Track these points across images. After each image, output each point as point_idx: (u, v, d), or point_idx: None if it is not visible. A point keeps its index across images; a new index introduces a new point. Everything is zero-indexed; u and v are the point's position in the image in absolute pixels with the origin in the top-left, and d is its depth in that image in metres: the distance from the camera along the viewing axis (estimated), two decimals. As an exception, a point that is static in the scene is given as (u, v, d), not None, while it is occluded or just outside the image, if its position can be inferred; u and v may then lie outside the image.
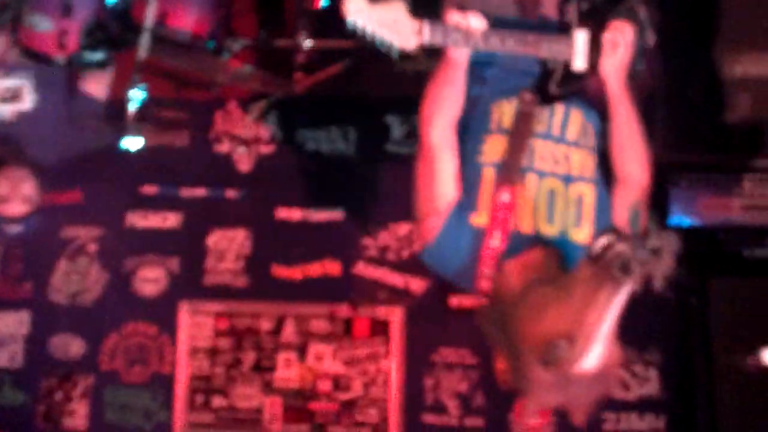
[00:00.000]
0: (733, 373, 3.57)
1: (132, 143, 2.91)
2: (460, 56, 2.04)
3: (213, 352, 4.26)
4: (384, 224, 4.23)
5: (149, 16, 2.92)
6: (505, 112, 2.07)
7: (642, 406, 4.08)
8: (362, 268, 4.22)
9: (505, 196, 1.94)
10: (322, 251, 4.25)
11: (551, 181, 2.01)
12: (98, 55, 3.00)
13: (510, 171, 1.97)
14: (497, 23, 2.09)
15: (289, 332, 4.23)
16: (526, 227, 1.95)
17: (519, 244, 1.91)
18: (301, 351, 4.21)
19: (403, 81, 3.99)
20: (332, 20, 3.41)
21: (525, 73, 2.16)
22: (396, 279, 4.20)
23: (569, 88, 2.11)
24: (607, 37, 2.09)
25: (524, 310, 1.73)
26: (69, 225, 4.44)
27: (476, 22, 1.99)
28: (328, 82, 3.62)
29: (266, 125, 4.37)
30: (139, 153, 4.47)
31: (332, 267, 4.25)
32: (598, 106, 2.21)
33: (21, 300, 4.40)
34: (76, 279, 4.42)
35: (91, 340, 4.35)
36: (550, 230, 1.97)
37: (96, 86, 3.10)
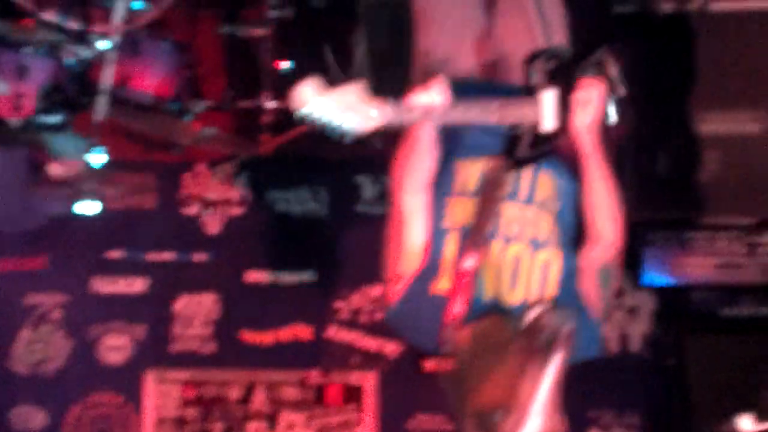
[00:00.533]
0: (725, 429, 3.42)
1: (88, 208, 2.74)
2: (425, 127, 1.97)
3: (180, 423, 4.06)
4: (356, 286, 4.08)
5: (106, 77, 2.81)
6: (471, 173, 2.02)
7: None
8: (334, 332, 4.07)
9: (469, 262, 1.89)
10: (293, 315, 4.10)
11: (517, 248, 1.96)
12: (55, 118, 2.87)
13: (476, 236, 1.92)
14: (462, 89, 2.03)
15: (259, 400, 4.05)
16: (487, 293, 1.92)
17: (479, 310, 1.89)
18: (272, 420, 4.03)
19: (373, 140, 3.85)
20: (296, 81, 3.31)
21: (491, 131, 2.09)
22: (369, 342, 4.04)
23: (539, 150, 2.04)
24: (576, 95, 2.02)
25: (470, 377, 1.74)
26: (32, 292, 4.25)
27: (438, 98, 1.92)
28: (297, 142, 3.51)
29: (235, 186, 4.24)
30: (105, 217, 4.33)
31: (303, 331, 4.09)
32: (569, 165, 2.13)
33: (-19, 371, 4.16)
34: (39, 348, 4.23)
35: (53, 411, 4.13)
36: (512, 297, 1.93)
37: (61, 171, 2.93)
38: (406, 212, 1.95)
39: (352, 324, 4.07)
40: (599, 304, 2.04)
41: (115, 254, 4.27)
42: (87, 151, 2.88)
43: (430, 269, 1.93)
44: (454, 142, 2.07)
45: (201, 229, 4.31)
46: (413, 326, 1.96)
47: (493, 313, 1.87)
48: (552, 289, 2.01)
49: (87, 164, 2.84)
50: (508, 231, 1.96)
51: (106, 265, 4.26)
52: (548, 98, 2.03)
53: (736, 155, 3.15)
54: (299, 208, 4.19)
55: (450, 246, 1.94)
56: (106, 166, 2.86)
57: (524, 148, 2.03)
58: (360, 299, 4.07)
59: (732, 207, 3.29)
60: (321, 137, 3.93)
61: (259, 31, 3.09)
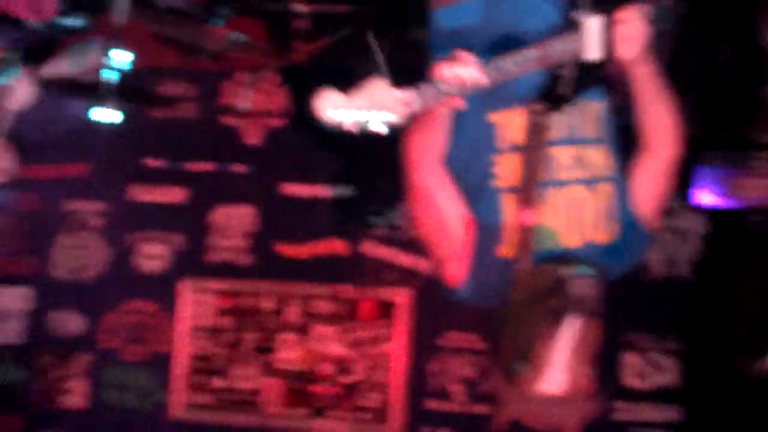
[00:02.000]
0: (756, 367, 3.17)
1: (104, 115, 2.51)
2: (437, 113, 1.76)
3: (214, 332, 3.92)
4: (393, 203, 3.86)
5: None
6: (511, 124, 1.84)
7: (657, 396, 3.69)
8: (369, 248, 3.87)
9: (527, 217, 1.78)
10: (330, 229, 3.89)
11: (573, 189, 1.83)
12: (77, 21, 2.62)
13: (530, 189, 1.80)
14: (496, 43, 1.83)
15: (292, 312, 3.89)
16: (549, 244, 1.80)
17: (543, 262, 1.79)
18: (304, 332, 3.87)
19: (418, 47, 3.58)
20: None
21: (529, 81, 1.86)
22: (404, 259, 3.84)
23: (582, 83, 1.85)
24: (620, 16, 1.81)
25: (506, 325, 1.74)
26: (72, 198, 4.11)
27: (466, 71, 1.70)
28: (340, 50, 3.24)
29: (275, 96, 4.01)
30: (144, 125, 4.18)
31: (339, 246, 3.89)
32: (615, 88, 1.95)
33: (22, 275, 4.08)
34: (77, 254, 4.11)
35: (90, 317, 4.05)
36: (573, 241, 1.82)
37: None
38: (429, 189, 1.79)
39: (387, 240, 3.86)
40: (652, 215, 1.91)
41: (154, 163, 4.09)
42: (107, 55, 2.56)
43: (489, 234, 1.80)
44: (484, 95, 1.83)
45: (240, 139, 4.11)
46: (487, 295, 1.81)
47: (548, 262, 1.75)
48: (610, 218, 1.86)
49: (107, 69, 2.54)
50: (562, 174, 1.82)
51: (145, 173, 4.07)
52: (593, 25, 1.82)
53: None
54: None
55: (506, 205, 1.81)
56: (137, 73, 2.60)
57: (566, 85, 1.84)
58: (396, 215, 3.85)
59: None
60: (362, 44, 3.66)
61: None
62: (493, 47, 1.81)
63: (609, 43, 1.80)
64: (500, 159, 1.83)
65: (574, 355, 1.62)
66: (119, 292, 4.12)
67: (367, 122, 1.61)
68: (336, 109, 1.61)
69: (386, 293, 3.89)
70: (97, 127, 3.65)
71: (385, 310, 3.89)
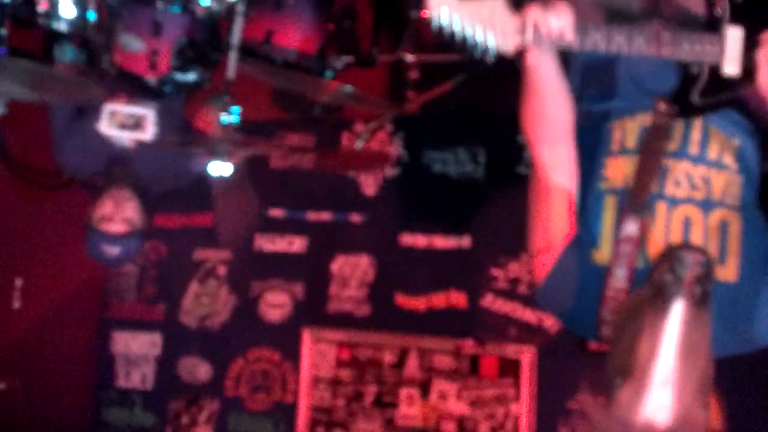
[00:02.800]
0: None
1: (220, 168, 2.14)
2: (543, 61, 1.51)
3: (335, 383, 3.51)
4: (515, 254, 3.32)
5: (235, 32, 2.38)
6: (629, 130, 1.60)
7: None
8: (490, 301, 3.35)
9: (630, 228, 1.50)
10: (448, 281, 3.41)
11: (686, 209, 1.54)
12: (190, 76, 2.55)
13: (638, 198, 1.52)
14: (622, 16, 1.60)
15: (412, 367, 3.42)
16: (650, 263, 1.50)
17: (644, 282, 1.46)
18: (425, 388, 3.38)
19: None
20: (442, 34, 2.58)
21: (653, 79, 1.61)
22: (528, 314, 3.29)
23: (716, 98, 1.54)
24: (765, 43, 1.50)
25: (613, 348, 1.41)
26: (200, 247, 3.80)
27: (556, 21, 1.45)
28: (453, 99, 2.76)
29: (390, 146, 3.55)
30: (267, 175, 3.86)
31: (458, 298, 3.40)
32: (752, 117, 1.61)
33: (154, 321, 3.80)
34: (205, 302, 3.78)
35: (217, 364, 3.71)
36: None
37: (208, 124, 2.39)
38: (547, 169, 1.55)
39: (509, 293, 3.31)
40: None
41: (277, 213, 3.71)
42: (223, 109, 2.45)
43: (586, 237, 1.55)
44: (607, 99, 1.62)
45: (358, 189, 3.67)
46: (568, 303, 1.56)
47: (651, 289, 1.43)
48: (733, 251, 1.54)
49: (222, 123, 2.32)
50: (676, 191, 1.54)
51: (268, 223, 3.70)
52: (734, 36, 1.51)
53: None
54: (457, 169, 3.46)
55: (608, 211, 1.56)
56: (253, 125, 2.25)
57: (698, 94, 1.53)
58: (519, 268, 3.30)
59: None
60: (476, 92, 3.11)
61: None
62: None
63: (750, 63, 1.49)
64: (611, 161, 1.59)
65: (682, 363, 1.28)
66: (245, 340, 3.80)
67: (476, 38, 1.39)
68: (446, 8, 1.39)
69: (510, 350, 3.33)
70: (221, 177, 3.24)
71: (510, 367, 3.36)
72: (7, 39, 2.33)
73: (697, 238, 1.52)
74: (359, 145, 3.14)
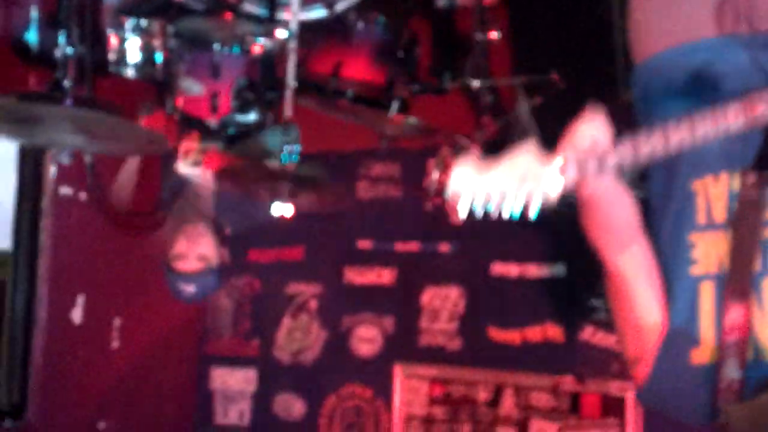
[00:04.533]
0: None
1: (281, 209, 2.07)
2: (599, 185, 1.36)
3: (428, 421, 3.33)
4: (614, 282, 3.00)
5: (290, 70, 2.28)
6: (715, 198, 1.41)
7: None
8: (590, 334, 3.08)
9: (735, 315, 1.31)
10: (543, 313, 3.17)
11: None
12: (251, 116, 2.49)
13: (738, 279, 1.33)
14: (691, 54, 1.40)
15: (508, 405, 3.19)
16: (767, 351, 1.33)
17: (760, 375, 1.32)
18: (522, 427, 3.15)
19: (628, 109, 2.77)
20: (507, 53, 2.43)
21: (737, 145, 1.39)
22: (631, 347, 2.96)
23: None
24: None
25: None
26: (292, 281, 3.75)
27: (596, 132, 1.30)
28: (530, 121, 2.55)
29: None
30: (355, 207, 3.78)
31: (555, 332, 3.16)
32: None
33: (249, 357, 3.77)
34: (298, 336, 3.72)
35: (311, 400, 3.61)
36: None
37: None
38: (623, 277, 1.43)
39: (611, 326, 3.00)
40: None
41: (366, 244, 3.60)
42: (284, 147, 2.36)
43: (683, 334, 1.39)
44: (683, 156, 1.36)
45: (446, 218, 3.46)
46: (674, 403, 1.43)
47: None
48: None
49: (282, 162, 2.11)
50: None
51: (357, 255, 3.60)
52: None
53: None
54: (548, 193, 3.19)
55: (706, 298, 1.38)
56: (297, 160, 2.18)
57: None
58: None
59: None
60: (560, 109, 2.90)
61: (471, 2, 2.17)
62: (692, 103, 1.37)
63: None
64: (699, 238, 1.42)
65: None
66: (337, 376, 3.70)
67: (516, 204, 1.29)
68: (472, 188, 1.31)
69: (613, 386, 3.04)
70: (310, 212, 3.18)
71: (613, 405, 3.07)
72: (73, 89, 2.33)
73: None
74: (435, 175, 2.99)
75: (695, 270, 1.41)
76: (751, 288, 1.35)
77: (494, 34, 2.41)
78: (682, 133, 1.27)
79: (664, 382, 1.42)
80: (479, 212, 1.33)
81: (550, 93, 2.57)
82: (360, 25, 2.64)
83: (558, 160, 1.28)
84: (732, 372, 1.32)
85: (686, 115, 1.30)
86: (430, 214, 3.72)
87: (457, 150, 3.46)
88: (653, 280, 1.43)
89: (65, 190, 3.65)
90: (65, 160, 2.37)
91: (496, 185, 1.28)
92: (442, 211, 3.82)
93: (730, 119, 1.27)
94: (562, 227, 3.40)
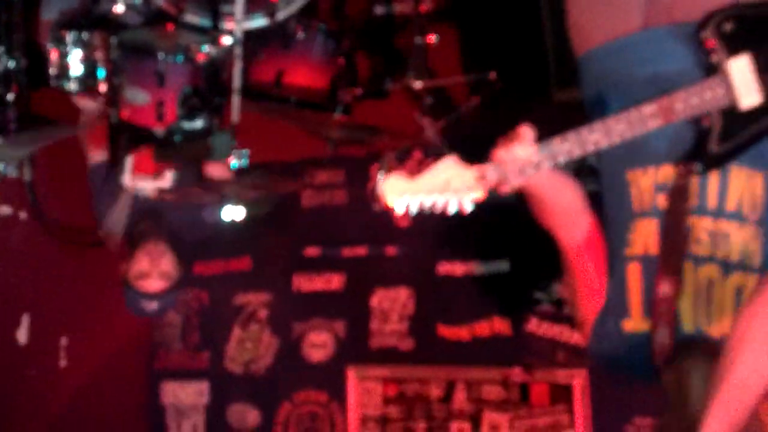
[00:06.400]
0: None
1: (233, 213, 2.07)
2: (537, 182, 1.49)
3: (383, 421, 3.36)
4: (557, 274, 3.09)
5: (236, 76, 2.32)
6: (646, 185, 1.53)
7: None
8: (536, 326, 3.16)
9: (664, 289, 1.44)
10: (490, 308, 3.25)
11: (709, 269, 1.49)
12: (198, 123, 2.48)
13: (668, 260, 1.46)
14: (619, 49, 1.52)
15: (460, 399, 3.26)
16: (687, 325, 1.47)
17: (682, 344, 1.45)
18: (475, 421, 3.21)
19: (561, 108, 2.92)
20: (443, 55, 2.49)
21: (667, 128, 1.48)
22: (576, 337, 3.11)
23: (740, 137, 1.40)
24: None
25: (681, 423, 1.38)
26: (240, 292, 3.73)
27: (522, 151, 1.42)
28: (469, 122, 2.64)
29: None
30: (300, 215, 3.80)
31: (502, 325, 3.24)
32: None
33: (200, 370, 3.73)
34: (249, 346, 3.70)
35: (265, 409, 3.61)
36: (712, 329, 1.47)
37: (220, 170, 2.33)
38: (573, 249, 1.58)
39: (554, 317, 3.13)
40: None
41: (313, 251, 3.62)
42: (232, 152, 2.40)
43: (616, 305, 1.54)
44: (620, 149, 1.48)
45: (391, 221, 3.55)
46: (615, 364, 1.58)
47: (695, 347, 1.45)
48: None
49: (231, 167, 2.41)
50: (698, 250, 1.49)
51: (304, 262, 3.61)
52: (739, 68, 1.37)
53: None
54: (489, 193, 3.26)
55: (633, 276, 1.52)
56: (245, 169, 2.19)
57: (715, 144, 1.44)
58: (562, 288, 3.10)
59: None
60: (495, 111, 2.98)
61: (408, 7, 2.23)
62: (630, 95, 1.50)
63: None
64: (634, 223, 1.54)
65: None
66: (290, 383, 3.70)
67: (437, 205, 1.41)
68: (401, 195, 1.44)
69: (560, 375, 3.13)
70: (255, 220, 3.19)
71: (561, 393, 3.16)
72: (15, 103, 2.31)
73: (717, 300, 1.48)
74: (381, 176, 3.04)
75: (628, 251, 1.54)
76: (678, 267, 1.47)
77: (432, 38, 2.48)
78: (597, 135, 1.40)
79: (604, 344, 1.56)
80: (415, 213, 1.44)
81: (488, 93, 2.65)
82: (300, 33, 2.68)
83: (478, 168, 1.42)
84: (663, 338, 1.44)
85: (601, 119, 1.42)
86: (376, 219, 3.79)
87: (400, 154, 3.53)
88: (597, 252, 1.57)
89: (5, 210, 3.57)
90: (13, 172, 2.33)
91: (424, 191, 1.40)
92: (388, 214, 3.88)
93: (646, 119, 1.39)
94: (503, 225, 3.51)
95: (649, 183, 1.53)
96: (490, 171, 1.43)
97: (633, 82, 1.55)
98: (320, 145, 3.41)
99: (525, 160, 1.42)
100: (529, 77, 2.84)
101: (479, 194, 1.41)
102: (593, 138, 1.41)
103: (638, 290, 1.52)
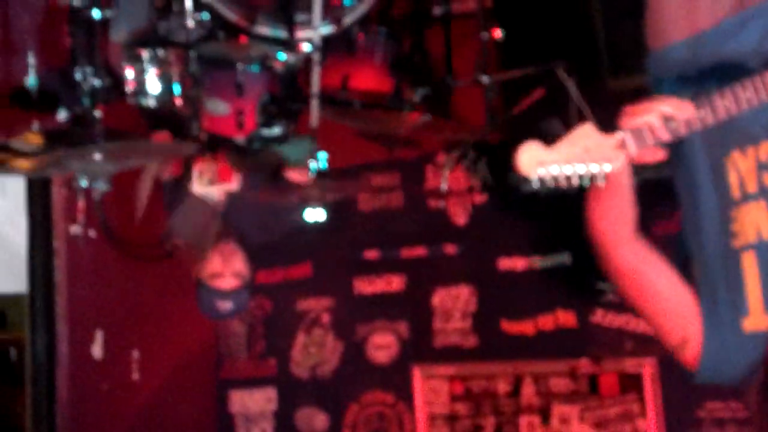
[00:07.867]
0: None
1: (314, 215, 2.13)
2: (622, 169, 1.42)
3: (452, 419, 3.40)
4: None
5: (315, 81, 2.36)
6: (746, 172, 1.44)
7: None
8: (601, 316, 3.18)
9: None
10: (553, 301, 3.26)
11: None
12: (276, 130, 2.53)
13: None
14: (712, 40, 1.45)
15: (528, 393, 3.28)
16: None
17: None
18: (545, 414, 3.23)
19: (621, 100, 2.89)
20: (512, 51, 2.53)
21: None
22: (642, 325, 3.11)
23: None
24: None
25: None
26: (302, 298, 3.80)
27: (666, 108, 1.37)
28: (530, 116, 2.67)
29: (475, 173, 3.46)
30: (358, 219, 3.84)
31: (566, 318, 3.25)
32: None
33: (267, 377, 3.80)
34: (313, 351, 3.76)
35: (332, 412, 3.66)
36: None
37: (299, 174, 2.40)
38: (636, 267, 1.48)
39: (620, 306, 3.14)
40: None
41: (372, 254, 3.67)
42: (311, 157, 2.46)
43: (731, 305, 1.44)
44: (714, 136, 1.44)
45: (449, 220, 3.60)
46: (732, 374, 1.47)
47: None
48: None
49: (310, 171, 2.45)
50: None
51: (364, 265, 3.66)
52: None
53: None
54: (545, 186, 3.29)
55: (750, 268, 1.42)
56: (323, 172, 2.24)
57: None
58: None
59: None
60: (557, 104, 3.01)
61: (466, 5, 2.28)
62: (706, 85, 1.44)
63: None
64: (737, 211, 1.46)
65: None
66: (357, 385, 3.73)
67: (577, 175, 1.35)
68: (541, 165, 1.35)
69: (629, 364, 3.15)
70: (315, 226, 3.24)
71: (631, 383, 3.17)
72: (102, 120, 2.40)
73: None
74: (446, 174, 3.08)
75: (736, 243, 1.44)
76: None
77: (498, 32, 2.52)
78: (727, 101, 1.33)
79: (721, 354, 1.44)
80: (549, 185, 1.35)
81: (550, 85, 2.69)
82: (363, 37, 2.74)
83: (618, 134, 1.34)
84: None
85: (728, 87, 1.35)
86: (434, 219, 3.84)
87: (455, 152, 3.57)
88: (664, 267, 1.47)
89: (75, 229, 3.68)
90: (104, 187, 2.42)
91: (563, 160, 1.33)
92: (445, 213, 3.91)
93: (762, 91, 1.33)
94: (561, 217, 3.53)
95: (750, 164, 1.44)
96: (631, 139, 1.35)
97: (744, 61, 1.46)
98: (374, 151, 3.47)
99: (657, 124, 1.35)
100: (581, 68, 2.85)
101: (618, 163, 1.34)
102: (724, 105, 1.34)
103: (756, 282, 1.41)
